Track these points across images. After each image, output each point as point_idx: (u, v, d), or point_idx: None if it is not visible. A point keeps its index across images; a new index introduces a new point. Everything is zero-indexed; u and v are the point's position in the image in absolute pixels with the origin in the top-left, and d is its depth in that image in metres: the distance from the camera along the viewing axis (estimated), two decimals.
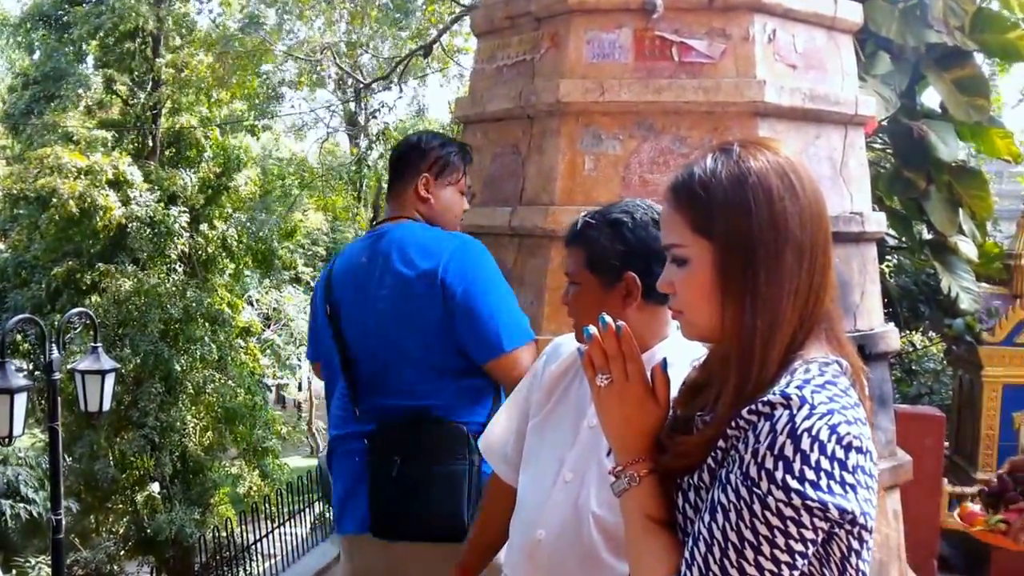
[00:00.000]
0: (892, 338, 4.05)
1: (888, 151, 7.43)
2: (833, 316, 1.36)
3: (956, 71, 6.47)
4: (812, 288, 1.32)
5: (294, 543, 7.01)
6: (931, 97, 7.24)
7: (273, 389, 20.76)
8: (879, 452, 1.38)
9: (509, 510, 2.13)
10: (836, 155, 3.97)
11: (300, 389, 23.46)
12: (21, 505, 11.71)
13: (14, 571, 12.29)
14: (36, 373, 13.37)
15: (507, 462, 2.21)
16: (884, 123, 6.43)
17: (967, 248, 6.89)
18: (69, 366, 9.70)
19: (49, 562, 9.46)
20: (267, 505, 8.28)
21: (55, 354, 6.84)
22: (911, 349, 9.14)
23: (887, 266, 7.51)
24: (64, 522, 7.09)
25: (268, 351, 15.66)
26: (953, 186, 6.74)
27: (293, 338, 16.28)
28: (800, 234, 1.30)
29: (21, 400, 6.58)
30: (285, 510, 8.03)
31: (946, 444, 6.20)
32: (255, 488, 13.64)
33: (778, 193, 1.30)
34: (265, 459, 14.22)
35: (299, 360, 18.18)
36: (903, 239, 7.56)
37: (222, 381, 13.64)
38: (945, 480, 6.10)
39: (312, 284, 17.57)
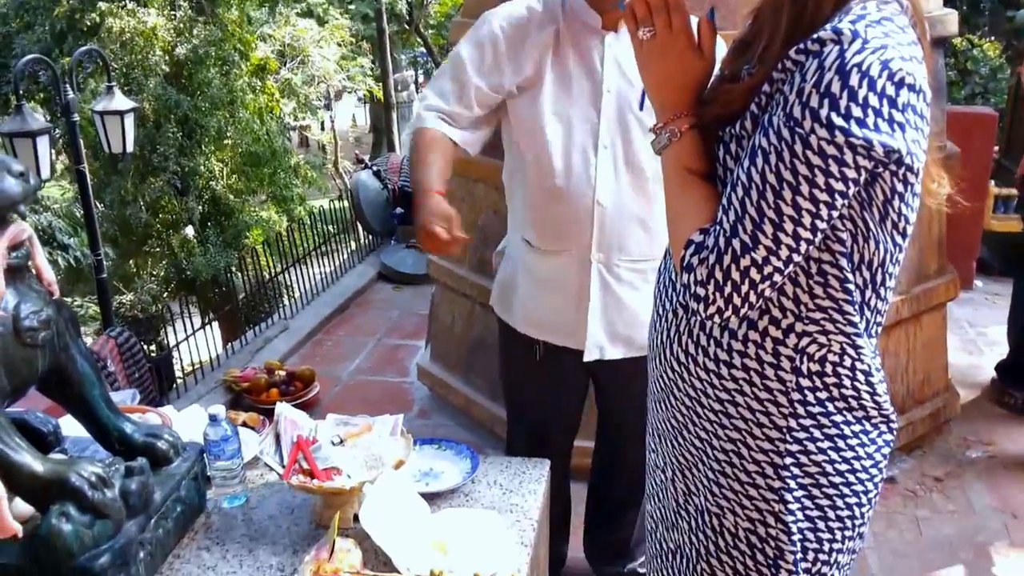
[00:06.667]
0: (951, 23, 3.76)
1: None
2: None
3: None
4: None
5: (332, 267, 7.14)
6: None
7: (296, 130, 20.34)
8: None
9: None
10: None
11: (323, 129, 22.91)
12: (59, 252, 11.87)
13: None
14: (53, 122, 13.13)
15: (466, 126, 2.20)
16: None
17: None
18: (87, 107, 9.52)
19: (96, 302, 9.75)
20: (302, 228, 8.19)
21: (70, 95, 6.65)
22: (968, 47, 8.67)
23: None
24: (105, 264, 7.20)
25: (287, 92, 14.96)
26: None
27: (312, 76, 15.46)
28: None
29: (44, 142, 6.49)
30: (319, 240, 8.06)
31: (996, 148, 6.02)
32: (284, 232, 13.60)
33: None
34: (291, 204, 14.18)
35: (319, 100, 17.60)
36: None
37: (241, 124, 13.28)
38: (992, 182, 5.98)
39: (325, 16, 16.65)
